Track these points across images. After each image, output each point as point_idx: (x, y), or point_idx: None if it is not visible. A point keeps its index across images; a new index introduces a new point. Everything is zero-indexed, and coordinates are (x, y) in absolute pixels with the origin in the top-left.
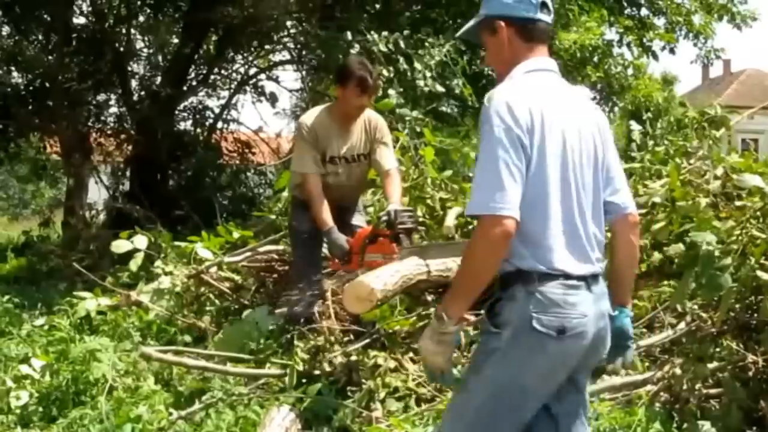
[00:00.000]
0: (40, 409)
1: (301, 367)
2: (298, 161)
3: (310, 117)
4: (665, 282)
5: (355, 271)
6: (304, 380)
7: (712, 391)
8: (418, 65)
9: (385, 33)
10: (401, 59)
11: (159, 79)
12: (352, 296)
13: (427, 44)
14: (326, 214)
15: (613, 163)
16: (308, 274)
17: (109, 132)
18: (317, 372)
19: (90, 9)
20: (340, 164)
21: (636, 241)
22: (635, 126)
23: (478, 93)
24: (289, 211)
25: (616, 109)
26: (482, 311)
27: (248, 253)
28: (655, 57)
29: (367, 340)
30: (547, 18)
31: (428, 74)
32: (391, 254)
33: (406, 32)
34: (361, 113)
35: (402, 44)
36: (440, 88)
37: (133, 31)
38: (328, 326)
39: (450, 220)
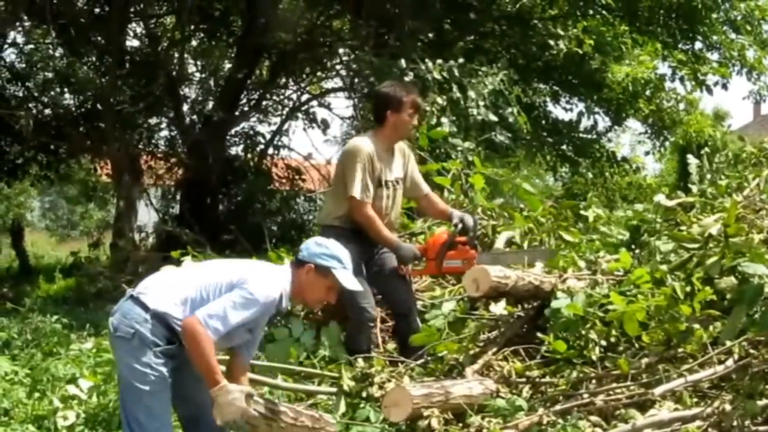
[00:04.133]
0: (87, 429)
1: (347, 389)
2: (355, 186)
3: (364, 144)
4: (712, 312)
5: (434, 275)
6: (354, 401)
7: (762, 428)
8: (471, 93)
9: (439, 61)
10: (454, 87)
11: (211, 103)
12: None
13: (480, 73)
14: (388, 231)
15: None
16: (362, 305)
17: (160, 155)
18: (365, 397)
19: (144, 32)
20: (389, 188)
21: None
22: (692, 160)
23: (530, 122)
24: None
25: (667, 143)
26: None
27: None
28: (710, 91)
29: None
30: None
31: (481, 103)
32: (471, 259)
33: (460, 61)
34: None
35: (456, 72)
36: (493, 117)
37: (186, 55)
38: (376, 355)
39: (500, 243)
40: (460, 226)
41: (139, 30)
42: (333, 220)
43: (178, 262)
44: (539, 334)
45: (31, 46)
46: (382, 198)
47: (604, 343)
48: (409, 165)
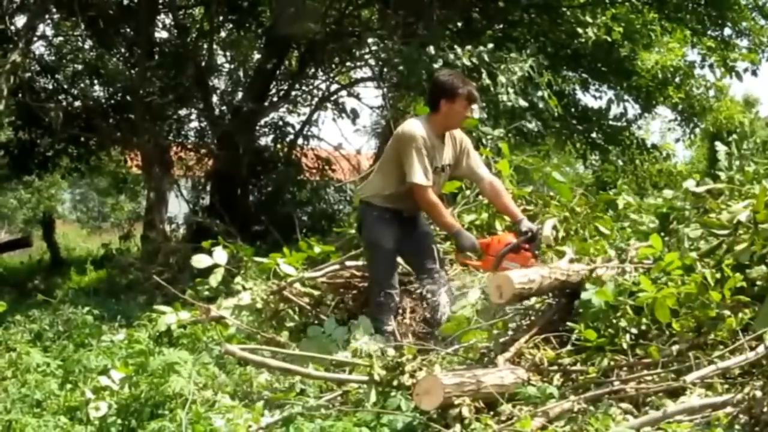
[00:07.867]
0: (119, 420)
1: (378, 378)
2: (416, 172)
3: (419, 129)
4: (742, 298)
5: (485, 270)
6: (385, 389)
7: None
8: (501, 79)
9: (468, 47)
10: (484, 74)
11: (240, 94)
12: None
13: (509, 59)
14: (452, 217)
15: None
16: (389, 291)
17: (190, 146)
18: (396, 385)
19: (173, 23)
20: (437, 174)
21: None
22: (721, 147)
23: (560, 110)
24: (365, 225)
25: (697, 130)
26: None
27: (329, 269)
28: (739, 77)
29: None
30: None
31: (511, 89)
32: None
33: (489, 46)
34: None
35: (486, 58)
36: (523, 102)
37: (215, 46)
38: (407, 344)
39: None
40: (529, 234)
41: (167, 21)
42: (375, 198)
43: (209, 253)
44: (570, 324)
45: (61, 38)
46: (431, 183)
47: (634, 330)
48: (463, 152)
